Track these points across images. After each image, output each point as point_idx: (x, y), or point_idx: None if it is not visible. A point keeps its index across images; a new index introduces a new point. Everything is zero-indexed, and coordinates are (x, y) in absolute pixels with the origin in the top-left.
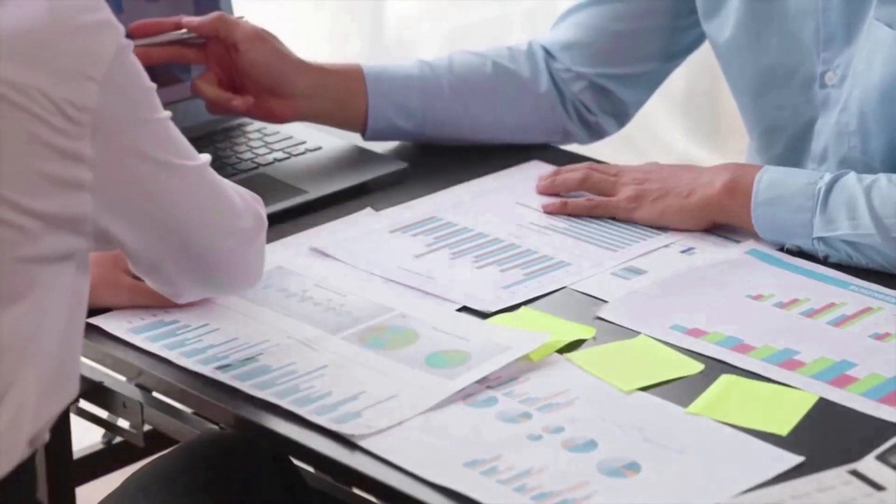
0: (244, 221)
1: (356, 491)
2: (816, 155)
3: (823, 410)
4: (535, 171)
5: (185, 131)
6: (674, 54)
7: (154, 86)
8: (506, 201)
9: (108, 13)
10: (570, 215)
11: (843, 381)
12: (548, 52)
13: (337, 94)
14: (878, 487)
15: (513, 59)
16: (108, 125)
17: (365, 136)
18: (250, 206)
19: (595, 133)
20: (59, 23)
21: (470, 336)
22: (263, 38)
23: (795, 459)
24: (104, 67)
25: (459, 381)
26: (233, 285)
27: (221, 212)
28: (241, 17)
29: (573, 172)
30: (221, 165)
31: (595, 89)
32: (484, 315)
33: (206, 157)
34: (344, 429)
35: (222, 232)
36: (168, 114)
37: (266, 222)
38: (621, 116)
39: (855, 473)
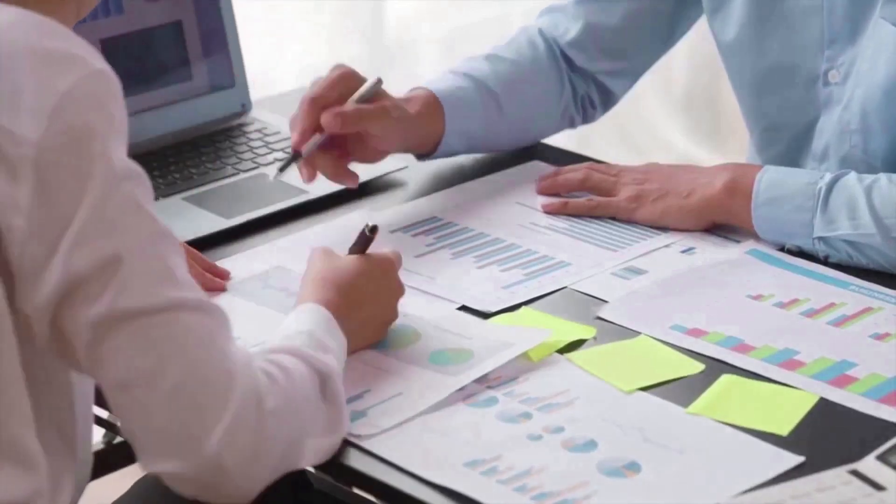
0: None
1: (356, 491)
2: (817, 153)
3: (823, 410)
4: (535, 171)
5: (184, 132)
6: (669, 43)
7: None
8: (506, 201)
9: (72, 43)
10: (570, 215)
11: (843, 381)
12: (564, 56)
13: (418, 131)
14: (878, 487)
15: (540, 69)
16: (51, 169)
17: (420, 160)
18: (246, 369)
19: (585, 121)
20: (16, 49)
21: (472, 334)
22: (391, 120)
23: (795, 459)
24: (54, 103)
25: (464, 377)
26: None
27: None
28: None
29: (574, 172)
30: (221, 165)
31: (597, 85)
32: (484, 315)
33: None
34: (350, 429)
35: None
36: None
37: (270, 405)
38: (610, 104)
39: (855, 473)
